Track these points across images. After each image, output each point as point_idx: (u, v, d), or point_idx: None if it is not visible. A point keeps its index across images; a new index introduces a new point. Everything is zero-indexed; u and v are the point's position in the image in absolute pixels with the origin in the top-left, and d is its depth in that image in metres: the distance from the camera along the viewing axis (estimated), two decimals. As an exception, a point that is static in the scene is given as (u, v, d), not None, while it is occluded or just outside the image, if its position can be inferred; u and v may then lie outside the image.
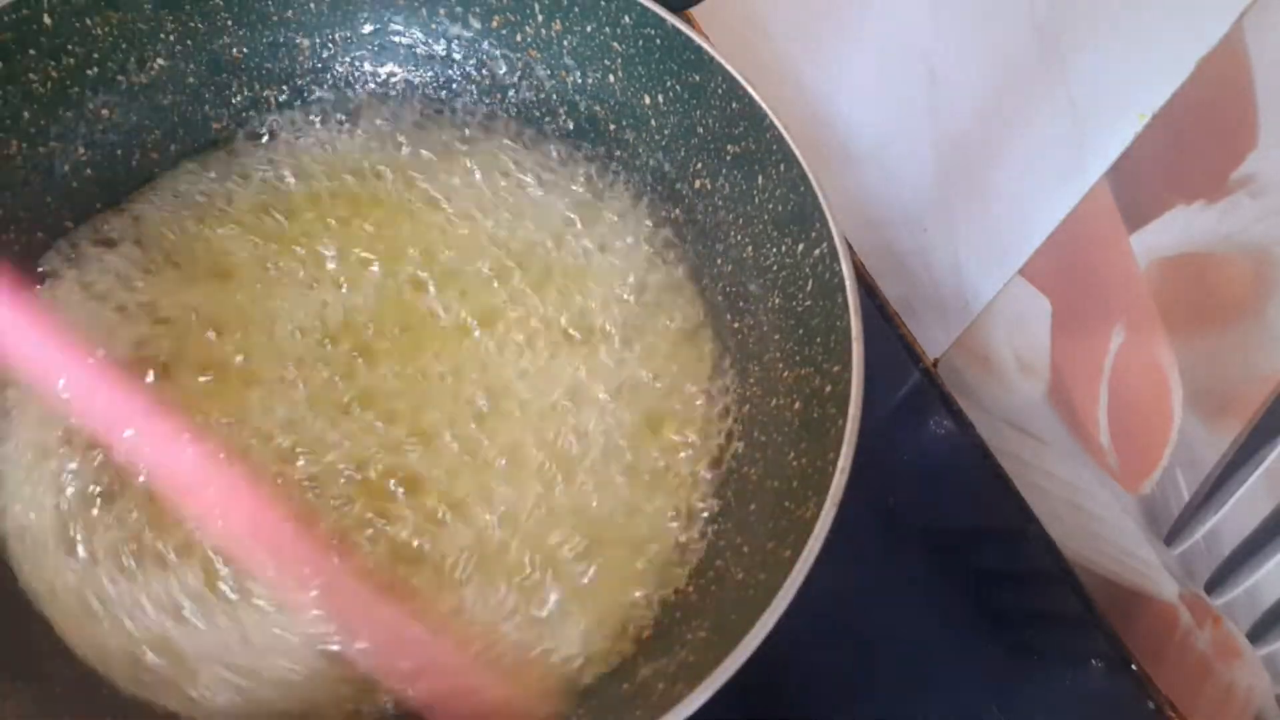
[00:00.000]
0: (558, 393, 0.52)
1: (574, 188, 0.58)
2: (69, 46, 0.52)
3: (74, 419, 0.47)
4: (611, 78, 0.57)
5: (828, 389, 0.46)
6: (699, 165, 0.56)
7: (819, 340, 0.48)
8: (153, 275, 0.53)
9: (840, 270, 0.47)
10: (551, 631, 0.46)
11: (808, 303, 0.50)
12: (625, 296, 0.55)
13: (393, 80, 0.60)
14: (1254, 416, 0.47)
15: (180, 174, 0.56)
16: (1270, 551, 0.48)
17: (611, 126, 0.58)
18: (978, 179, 0.60)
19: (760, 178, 0.52)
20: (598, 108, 0.58)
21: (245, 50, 0.57)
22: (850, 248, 0.51)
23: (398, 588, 0.46)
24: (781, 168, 0.50)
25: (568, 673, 0.45)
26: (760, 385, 0.52)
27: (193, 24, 0.55)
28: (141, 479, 0.47)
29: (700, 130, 0.55)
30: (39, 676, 0.43)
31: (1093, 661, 0.59)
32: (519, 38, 0.58)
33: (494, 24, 0.58)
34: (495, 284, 0.55)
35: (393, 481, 0.49)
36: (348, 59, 0.59)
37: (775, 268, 0.52)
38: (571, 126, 0.59)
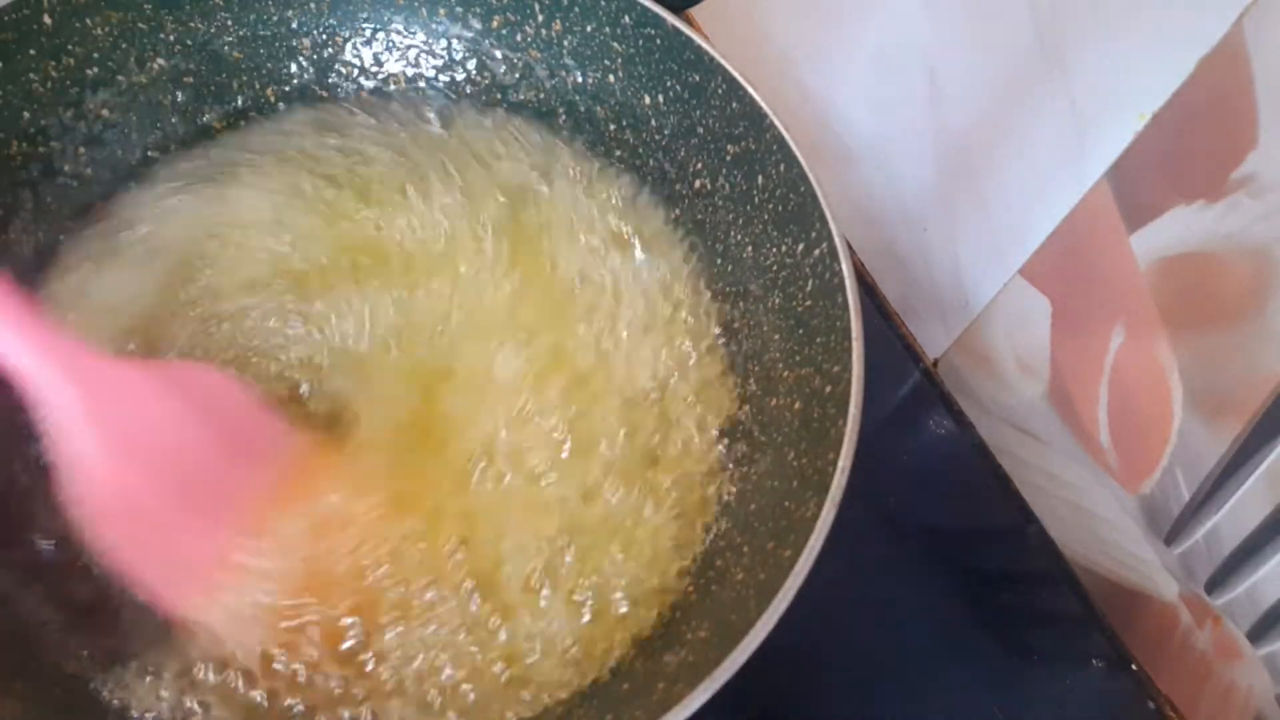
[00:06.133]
0: (554, 393, 0.52)
1: (573, 188, 0.58)
2: (69, 46, 0.52)
3: None
4: (611, 78, 0.57)
5: (828, 389, 0.46)
6: (699, 165, 0.56)
7: (819, 340, 0.48)
8: (152, 272, 0.53)
9: (840, 270, 0.47)
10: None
11: (808, 303, 0.50)
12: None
13: (393, 80, 0.60)
14: (1254, 416, 0.47)
15: (179, 174, 0.56)
16: (1270, 551, 0.48)
17: (611, 126, 0.58)
18: (978, 179, 0.60)
19: (760, 178, 0.52)
20: (598, 108, 0.58)
21: (245, 50, 0.57)
22: (850, 248, 0.51)
23: None
24: (781, 168, 0.50)
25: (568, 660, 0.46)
26: (760, 385, 0.52)
27: (193, 24, 0.56)
28: None
29: (700, 130, 0.55)
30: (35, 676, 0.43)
31: (1093, 661, 0.59)
32: (519, 38, 0.58)
33: (494, 24, 0.58)
34: (491, 287, 0.55)
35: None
36: (348, 59, 0.60)
37: (775, 268, 0.52)
38: (571, 126, 0.59)
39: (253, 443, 0.45)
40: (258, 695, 0.43)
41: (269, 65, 0.58)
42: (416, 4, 0.58)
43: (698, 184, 0.56)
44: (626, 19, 0.54)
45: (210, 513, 0.42)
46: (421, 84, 0.60)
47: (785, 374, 0.51)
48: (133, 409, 0.39)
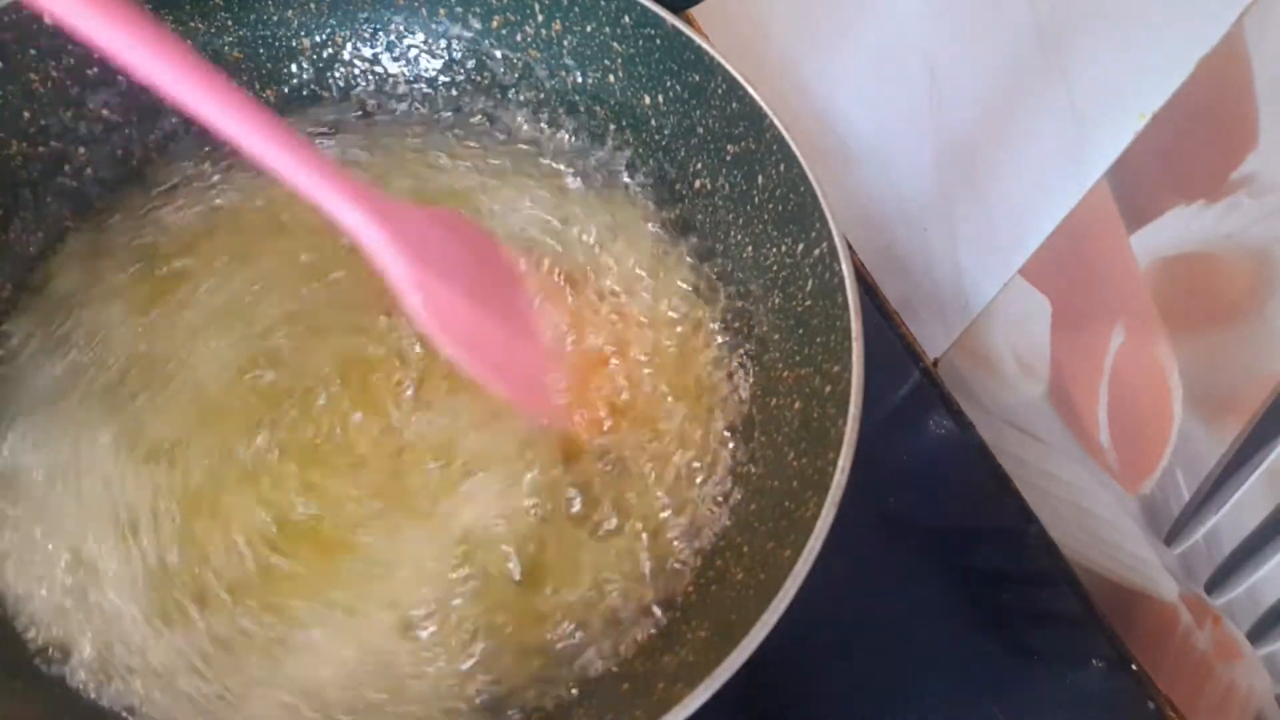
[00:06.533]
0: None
1: (573, 188, 0.58)
2: (69, 46, 0.52)
3: None
4: (611, 78, 0.57)
5: (828, 389, 0.46)
6: (699, 165, 0.56)
7: (819, 340, 0.48)
8: (152, 270, 0.53)
9: (840, 270, 0.47)
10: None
11: (808, 303, 0.50)
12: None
13: (393, 81, 0.60)
14: (1254, 416, 0.47)
15: (181, 173, 0.56)
16: (1270, 551, 0.48)
17: (611, 127, 0.58)
18: (978, 179, 0.60)
19: (760, 178, 0.52)
20: (598, 108, 0.58)
21: (245, 50, 0.57)
22: (850, 248, 0.51)
23: None
24: (781, 168, 0.50)
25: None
26: (760, 385, 0.52)
27: (193, 24, 0.56)
28: None
29: (700, 130, 0.55)
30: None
31: (1093, 661, 0.59)
32: (519, 38, 0.58)
33: (494, 24, 0.58)
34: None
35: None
36: (348, 59, 0.60)
37: (775, 268, 0.52)
38: (571, 127, 0.59)
39: (509, 270, 0.52)
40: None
41: (269, 65, 0.58)
42: (416, 4, 0.58)
43: (698, 184, 0.56)
44: (626, 19, 0.54)
45: (512, 322, 0.50)
46: (421, 84, 0.60)
47: (785, 374, 0.51)
48: (432, 239, 0.45)
